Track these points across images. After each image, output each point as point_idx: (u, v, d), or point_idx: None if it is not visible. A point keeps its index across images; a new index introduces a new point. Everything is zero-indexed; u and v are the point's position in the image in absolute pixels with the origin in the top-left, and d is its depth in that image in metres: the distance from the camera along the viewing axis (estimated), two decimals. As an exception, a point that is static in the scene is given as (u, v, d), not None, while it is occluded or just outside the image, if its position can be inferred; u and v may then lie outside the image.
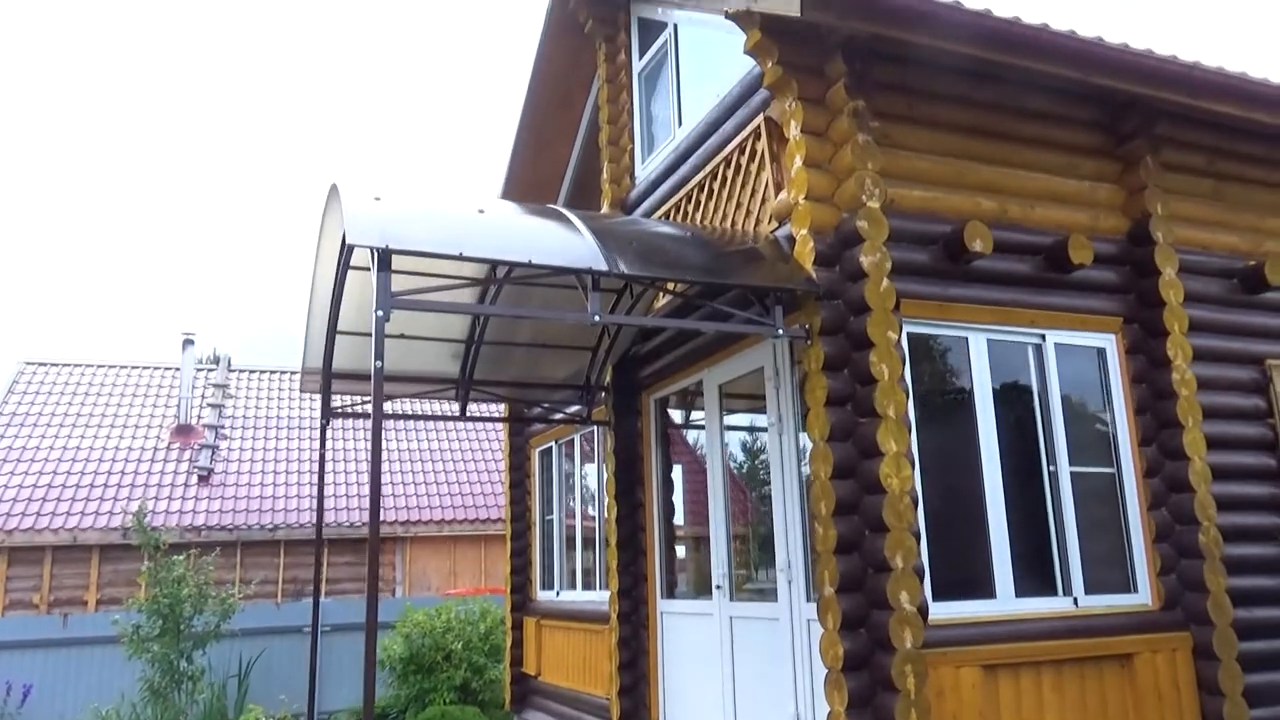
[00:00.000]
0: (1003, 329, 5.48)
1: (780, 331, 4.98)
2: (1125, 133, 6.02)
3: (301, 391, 7.02)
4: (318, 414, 20.59)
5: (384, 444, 21.20)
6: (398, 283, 6.38)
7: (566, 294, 6.26)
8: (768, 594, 5.96)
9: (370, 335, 6.77)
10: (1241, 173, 6.45)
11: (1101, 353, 5.78)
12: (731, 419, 6.61)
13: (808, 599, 5.37)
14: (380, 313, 4.09)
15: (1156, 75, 5.44)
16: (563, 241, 4.69)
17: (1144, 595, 5.51)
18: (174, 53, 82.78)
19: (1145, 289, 5.86)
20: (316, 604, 6.70)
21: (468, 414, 7.96)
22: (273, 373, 22.05)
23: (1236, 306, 6.24)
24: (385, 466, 19.31)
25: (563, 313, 5.73)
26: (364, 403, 7.37)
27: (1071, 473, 5.48)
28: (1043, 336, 5.60)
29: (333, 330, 6.59)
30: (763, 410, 6.50)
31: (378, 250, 4.08)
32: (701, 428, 7.29)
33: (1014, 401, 5.50)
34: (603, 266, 4.41)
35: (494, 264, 4.67)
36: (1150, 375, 5.78)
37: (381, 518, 18.22)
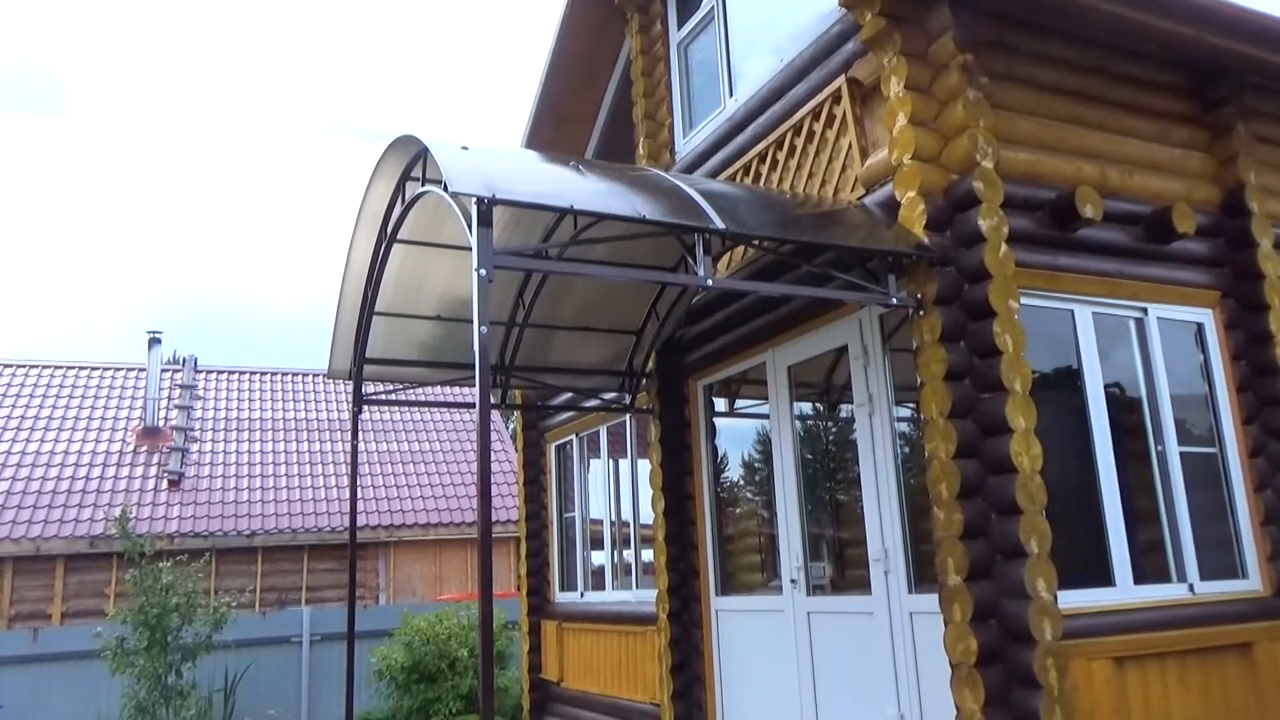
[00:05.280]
0: (1107, 301, 5.17)
1: (894, 300, 4.61)
2: (1213, 100, 5.77)
3: (329, 378, 6.47)
4: (290, 415, 20.04)
5: (360, 445, 20.50)
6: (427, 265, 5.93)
7: (619, 264, 5.83)
8: (852, 586, 5.58)
9: (409, 317, 6.38)
10: (1320, 146, 6.25)
11: (1200, 328, 5.51)
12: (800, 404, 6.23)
13: (910, 590, 5.00)
14: (483, 271, 3.61)
15: (1266, 35, 5.18)
16: (669, 199, 4.26)
17: (1254, 581, 5.23)
18: (136, 45, 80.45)
19: (1241, 262, 5.60)
20: (352, 608, 6.16)
21: (498, 404, 7.47)
22: (240, 373, 21.18)
23: (1322, 282, 6.01)
24: (363, 469, 18.57)
25: (662, 275, 5.26)
26: (393, 390, 6.84)
27: (1180, 453, 5.19)
28: (1145, 310, 5.30)
29: (369, 311, 6.08)
30: (827, 393, 6.16)
31: (482, 201, 3.61)
32: (754, 416, 6.92)
33: (1119, 379, 5.20)
34: (719, 225, 4.00)
35: (598, 218, 4.21)
36: (1250, 351, 5.52)
37: (362, 522, 17.57)
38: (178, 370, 20.54)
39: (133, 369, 20.05)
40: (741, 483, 7.04)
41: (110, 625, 10.42)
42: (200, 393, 19.84)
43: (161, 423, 18.40)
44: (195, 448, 18.10)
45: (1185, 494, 5.13)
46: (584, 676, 8.57)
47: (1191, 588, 5.00)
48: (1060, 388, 5.02)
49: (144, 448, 17.73)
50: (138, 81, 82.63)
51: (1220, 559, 5.21)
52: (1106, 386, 5.06)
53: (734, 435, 7.22)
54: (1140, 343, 5.28)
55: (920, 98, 4.85)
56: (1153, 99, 5.63)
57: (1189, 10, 4.91)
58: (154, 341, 19.12)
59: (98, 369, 19.93)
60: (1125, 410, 5.16)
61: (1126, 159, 5.41)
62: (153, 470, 17.19)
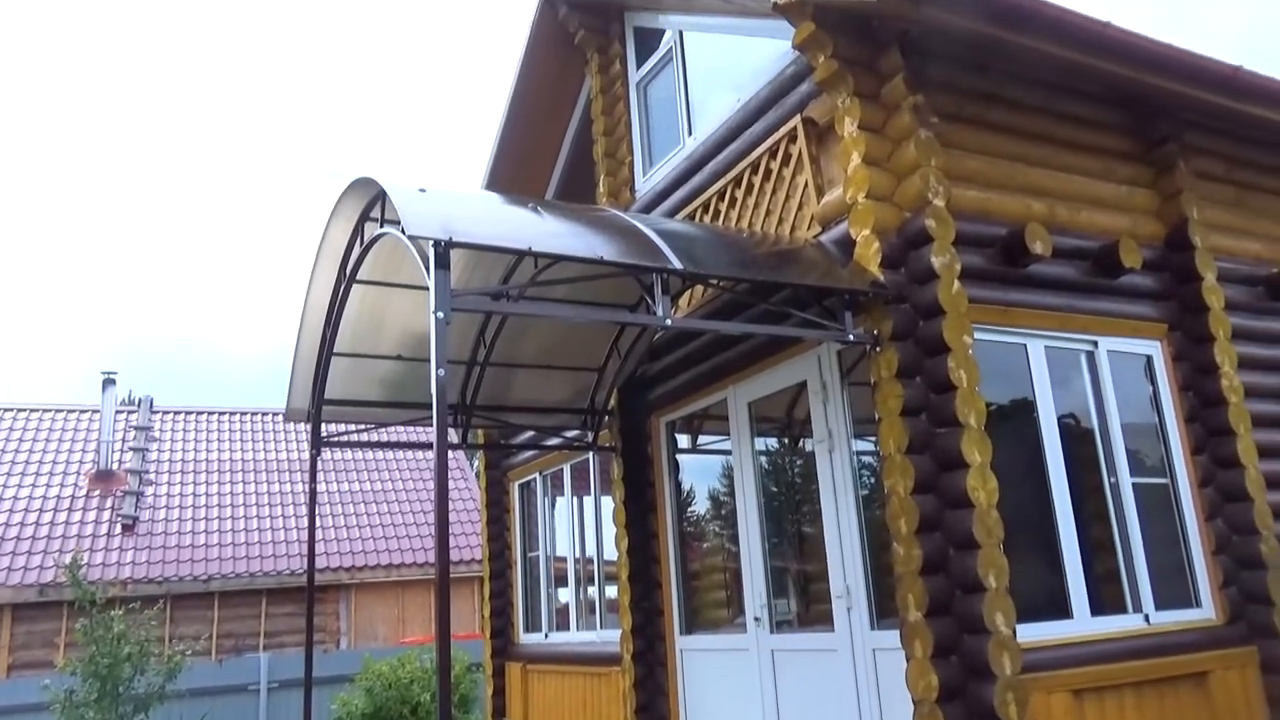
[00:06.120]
0: (1059, 335, 5.27)
1: (851, 336, 4.66)
2: (1155, 138, 5.95)
3: (286, 420, 6.37)
4: (248, 456, 19.71)
5: (321, 485, 20.12)
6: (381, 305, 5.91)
7: (579, 304, 5.85)
8: (816, 622, 5.57)
9: (369, 356, 6.32)
10: (1259, 181, 6.47)
11: (1149, 360, 5.63)
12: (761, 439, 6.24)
13: (872, 626, 5.00)
14: (440, 314, 3.60)
15: (1203, 76, 5.36)
16: (627, 239, 4.29)
17: (1208, 610, 5.31)
18: (87, 75, 79.67)
19: (1187, 295, 5.75)
20: (309, 652, 6.03)
21: (459, 443, 7.42)
22: (197, 413, 20.79)
23: (1265, 314, 6.19)
24: (324, 509, 18.25)
25: (621, 314, 5.28)
26: (352, 431, 6.76)
27: (1133, 484, 5.27)
28: (1095, 343, 5.41)
29: (328, 351, 6.02)
30: (788, 428, 6.19)
31: (439, 244, 3.61)
32: (716, 452, 6.92)
33: (1073, 411, 5.29)
34: (676, 265, 4.03)
35: (556, 259, 4.21)
36: (1197, 382, 5.64)
37: (322, 564, 17.21)
38: (133, 411, 20.13)
39: (86, 410, 19.61)
40: (706, 518, 7.03)
41: (59, 677, 10.10)
42: (156, 434, 19.43)
43: (115, 465, 17.99)
44: (150, 490, 17.70)
45: (1139, 525, 5.21)
46: (548, 719, 8.44)
47: (1147, 618, 5.06)
48: (1015, 421, 5.09)
49: (97, 491, 17.30)
50: (88, 121, 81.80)
51: (1174, 589, 5.28)
52: (1060, 419, 5.15)
53: (697, 471, 7.21)
54: (1091, 375, 5.38)
55: (873, 138, 4.95)
56: (1097, 137, 5.80)
57: (1124, 51, 5.07)
58: (108, 382, 18.74)
59: (49, 410, 19.46)
60: (1079, 442, 5.24)
61: (1073, 195, 5.55)
62: (106, 514, 16.77)
